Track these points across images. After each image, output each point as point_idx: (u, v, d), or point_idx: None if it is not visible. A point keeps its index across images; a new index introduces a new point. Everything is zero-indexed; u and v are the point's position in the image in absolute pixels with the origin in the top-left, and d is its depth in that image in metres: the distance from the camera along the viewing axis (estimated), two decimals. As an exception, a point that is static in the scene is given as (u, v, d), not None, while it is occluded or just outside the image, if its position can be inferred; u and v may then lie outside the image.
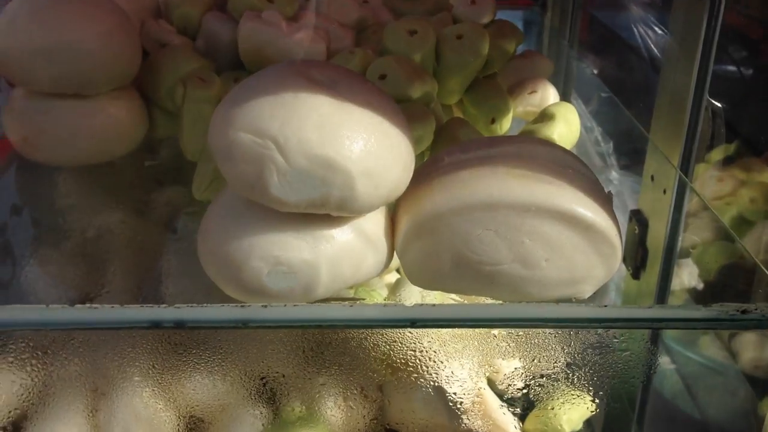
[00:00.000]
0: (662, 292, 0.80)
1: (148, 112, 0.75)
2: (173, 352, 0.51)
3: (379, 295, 0.66)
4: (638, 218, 0.82)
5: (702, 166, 0.95)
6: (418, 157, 0.68)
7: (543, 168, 0.53)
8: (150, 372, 0.51)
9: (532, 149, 0.55)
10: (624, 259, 0.82)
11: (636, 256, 0.82)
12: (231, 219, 0.51)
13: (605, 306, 0.51)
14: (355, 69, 0.69)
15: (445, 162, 0.55)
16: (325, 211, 0.49)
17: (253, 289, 0.50)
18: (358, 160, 0.48)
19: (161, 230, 0.68)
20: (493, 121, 0.75)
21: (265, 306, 0.50)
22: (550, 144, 0.57)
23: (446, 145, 0.69)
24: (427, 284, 0.54)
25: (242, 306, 0.49)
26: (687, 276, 0.89)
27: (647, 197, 0.83)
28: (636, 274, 0.82)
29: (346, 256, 0.51)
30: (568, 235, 0.51)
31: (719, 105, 0.83)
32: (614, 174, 1.00)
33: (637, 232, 0.81)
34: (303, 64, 0.51)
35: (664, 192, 0.79)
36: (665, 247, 0.78)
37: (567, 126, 0.73)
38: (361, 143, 0.48)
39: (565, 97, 1.05)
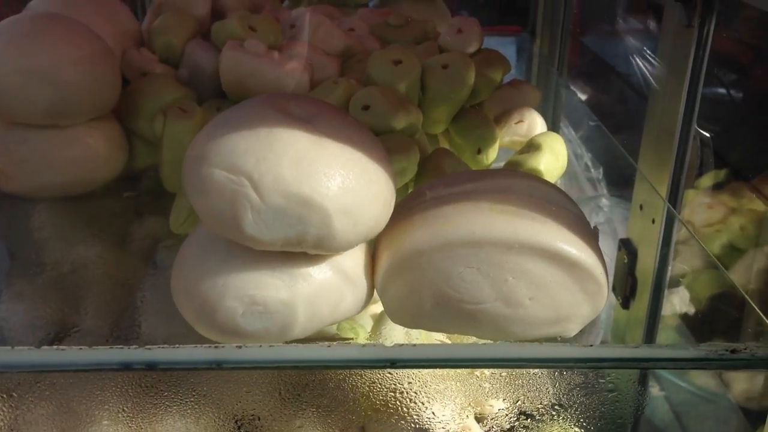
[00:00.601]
0: (652, 322, 0.78)
1: (128, 141, 0.73)
2: (144, 394, 0.49)
3: (362, 328, 0.64)
4: (627, 247, 0.81)
5: (691, 192, 0.94)
6: (402, 189, 0.67)
7: (527, 203, 0.51)
8: (120, 415, 0.49)
9: (516, 184, 0.54)
10: (613, 288, 0.81)
11: (625, 286, 0.81)
12: (205, 256, 0.49)
13: (591, 346, 0.50)
14: (339, 99, 0.68)
15: (428, 197, 0.54)
16: (301, 249, 0.47)
17: (227, 330, 0.49)
18: (335, 197, 0.46)
19: (140, 264, 0.66)
20: (479, 151, 0.74)
21: (240, 347, 0.48)
22: (534, 178, 0.56)
23: (431, 177, 0.67)
24: (409, 323, 0.53)
25: (216, 347, 0.48)
26: (678, 303, 0.87)
27: (636, 226, 0.82)
28: (625, 303, 0.81)
29: (324, 294, 0.49)
30: (552, 272, 0.50)
31: (707, 134, 0.83)
32: (604, 201, 0.99)
33: (626, 261, 0.80)
34: (280, 98, 0.50)
35: (653, 222, 0.78)
36: (654, 276, 0.77)
37: (554, 156, 0.72)
38: (338, 180, 0.47)
39: (554, 124, 1.04)
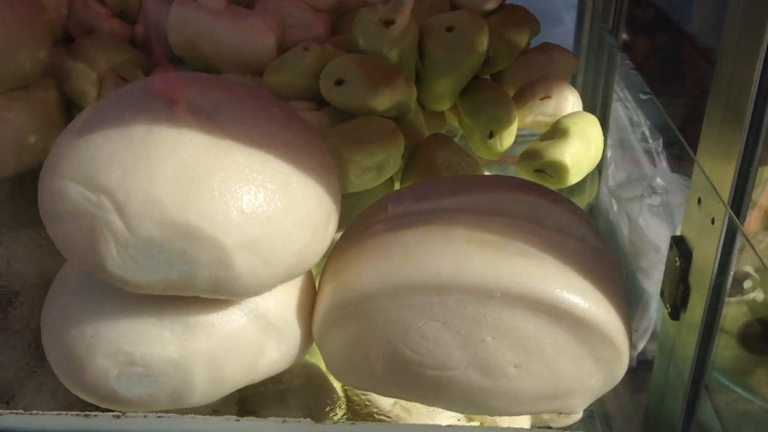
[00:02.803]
0: (706, 340, 0.63)
1: (69, 114, 0.61)
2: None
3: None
4: (681, 247, 0.66)
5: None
6: (384, 186, 0.53)
7: (519, 232, 0.37)
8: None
9: (509, 200, 0.40)
10: (661, 294, 0.67)
11: (676, 293, 0.66)
12: (74, 295, 0.37)
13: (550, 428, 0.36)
14: (309, 70, 0.54)
15: (388, 215, 0.40)
16: (191, 294, 0.34)
17: (100, 395, 0.36)
18: (234, 227, 0.33)
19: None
20: (491, 135, 0.59)
21: (118, 416, 0.36)
22: (538, 190, 0.41)
23: (420, 172, 0.53)
24: (355, 383, 0.40)
25: (87, 415, 0.36)
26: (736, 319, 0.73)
27: (692, 222, 0.66)
28: (674, 314, 0.67)
29: (234, 349, 0.36)
30: (549, 332, 0.36)
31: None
32: (659, 181, 0.84)
33: (678, 264, 0.65)
34: (176, 82, 0.37)
35: (713, 222, 0.62)
36: (711, 286, 0.62)
37: (584, 144, 0.57)
38: (241, 202, 0.33)
39: (606, 93, 0.89)
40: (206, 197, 0.33)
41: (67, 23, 0.64)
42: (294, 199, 0.35)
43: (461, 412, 0.38)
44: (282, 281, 0.36)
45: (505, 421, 0.41)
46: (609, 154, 0.97)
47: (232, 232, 0.33)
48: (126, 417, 0.36)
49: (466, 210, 0.39)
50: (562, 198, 0.42)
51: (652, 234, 0.77)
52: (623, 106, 1.04)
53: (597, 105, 0.96)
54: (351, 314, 0.37)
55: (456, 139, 0.66)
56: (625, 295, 0.40)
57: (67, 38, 0.64)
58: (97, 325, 0.35)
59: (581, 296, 0.36)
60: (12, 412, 0.36)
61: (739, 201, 0.61)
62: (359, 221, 0.41)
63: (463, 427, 0.39)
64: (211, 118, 0.35)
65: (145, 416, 0.36)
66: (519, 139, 0.64)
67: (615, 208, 0.97)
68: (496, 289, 0.35)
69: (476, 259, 0.36)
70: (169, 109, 0.34)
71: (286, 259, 0.35)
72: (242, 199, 0.33)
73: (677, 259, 0.66)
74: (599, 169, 0.68)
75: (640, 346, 0.87)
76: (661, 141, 0.92)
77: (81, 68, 0.59)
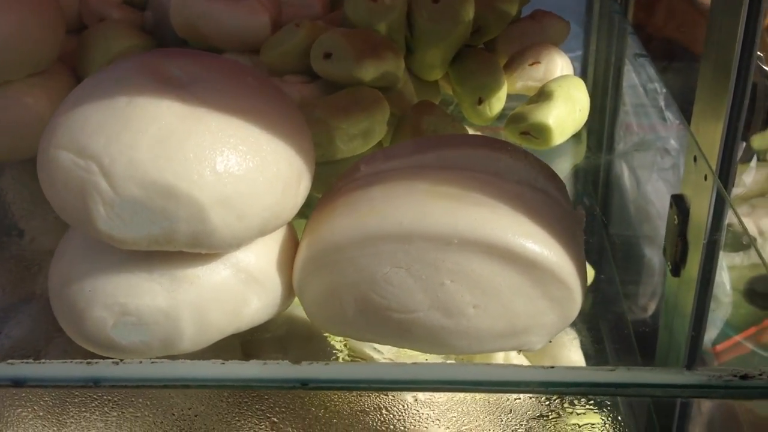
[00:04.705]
0: (702, 295, 0.65)
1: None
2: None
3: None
4: (679, 205, 0.68)
5: (758, 137, 0.80)
6: (374, 150, 0.56)
7: (478, 184, 0.40)
8: None
9: (473, 156, 0.43)
10: (663, 251, 0.70)
11: (676, 250, 0.68)
12: (75, 254, 0.41)
13: (551, 367, 0.39)
14: (300, 46, 0.57)
15: (360, 174, 0.44)
16: (174, 248, 0.38)
17: (99, 343, 0.40)
18: (209, 185, 0.37)
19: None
20: (480, 101, 0.62)
21: (117, 362, 0.40)
22: (503, 147, 0.44)
23: (407, 138, 0.56)
24: (332, 330, 0.43)
25: (89, 362, 0.40)
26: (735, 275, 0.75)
27: (690, 181, 0.68)
28: (675, 270, 0.69)
29: (218, 300, 0.40)
30: (504, 274, 0.39)
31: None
32: (672, 143, 0.85)
33: (676, 222, 0.67)
34: (160, 57, 0.40)
35: (705, 178, 0.64)
36: (706, 241, 0.64)
37: (569, 106, 0.60)
38: (214, 162, 0.37)
39: (618, 62, 0.91)
40: (182, 159, 0.36)
41: (79, 12, 0.68)
42: (265, 159, 0.38)
43: (427, 352, 0.41)
44: (258, 235, 0.40)
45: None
46: (621, 118, 0.98)
47: (207, 190, 0.36)
48: (124, 363, 0.39)
49: (431, 166, 0.42)
50: (527, 154, 0.45)
51: (660, 199, 0.79)
52: (635, 70, 1.05)
53: (610, 69, 0.97)
54: (324, 265, 0.41)
55: (451, 107, 0.69)
56: (582, 242, 0.43)
57: (81, 26, 0.68)
58: (94, 281, 0.39)
59: (533, 240, 0.38)
60: (23, 362, 0.40)
61: (729, 159, 0.63)
62: (337, 182, 0.45)
63: (428, 363, 0.42)
64: (188, 89, 0.38)
65: (141, 362, 0.40)
66: (513, 104, 0.66)
67: (626, 173, 0.99)
68: (453, 236, 0.38)
69: (435, 209, 0.39)
70: (149, 81, 0.38)
71: (259, 213, 0.38)
72: (215, 160, 0.37)
73: (676, 216, 0.68)
74: (588, 131, 0.70)
75: (651, 310, 0.89)
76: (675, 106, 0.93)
77: (93, 54, 0.63)
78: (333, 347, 0.51)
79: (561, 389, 0.39)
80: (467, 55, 0.64)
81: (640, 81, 1.08)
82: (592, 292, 0.83)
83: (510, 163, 0.43)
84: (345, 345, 0.51)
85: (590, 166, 0.97)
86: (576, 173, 0.85)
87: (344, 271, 0.40)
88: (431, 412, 0.41)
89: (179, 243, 0.38)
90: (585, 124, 0.94)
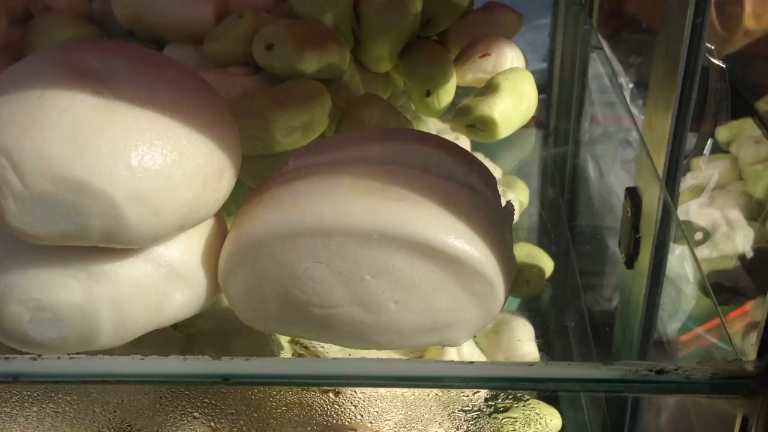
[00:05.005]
0: (654, 288, 0.66)
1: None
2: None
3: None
4: (633, 198, 0.68)
5: (724, 129, 0.80)
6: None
7: (402, 179, 0.40)
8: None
9: (401, 150, 0.42)
10: (619, 244, 0.70)
11: (629, 243, 0.68)
12: (-7, 248, 0.40)
13: (471, 363, 0.39)
14: (243, 37, 0.57)
15: (288, 168, 0.43)
16: (88, 243, 0.38)
17: (18, 339, 0.40)
18: (122, 180, 0.36)
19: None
20: (428, 93, 0.62)
21: (35, 358, 0.39)
22: (435, 142, 0.44)
23: (348, 131, 0.56)
24: (258, 325, 0.43)
25: (7, 358, 0.39)
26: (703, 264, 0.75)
27: (642, 174, 0.68)
28: (629, 263, 0.69)
29: (138, 295, 0.40)
30: (425, 270, 0.38)
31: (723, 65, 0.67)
32: (634, 135, 0.85)
33: (629, 214, 0.68)
34: (76, 49, 0.40)
35: (654, 172, 0.64)
36: (656, 233, 0.64)
37: (515, 99, 0.59)
38: (128, 157, 0.36)
39: (584, 48, 0.91)
40: (94, 154, 0.36)
41: (26, 1, 0.67)
42: (183, 153, 0.38)
43: (351, 347, 0.41)
44: (177, 230, 0.39)
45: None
46: (588, 110, 0.98)
47: (120, 185, 0.36)
48: (42, 359, 0.39)
49: (357, 161, 0.42)
50: (458, 149, 0.44)
51: (621, 191, 0.79)
52: (601, 62, 1.05)
53: (576, 60, 0.97)
54: (247, 260, 0.40)
55: (402, 100, 0.68)
56: (510, 237, 0.42)
57: (27, 16, 0.67)
58: (9, 275, 0.39)
59: (454, 236, 0.38)
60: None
61: (678, 151, 0.63)
62: (266, 177, 0.44)
63: (348, 359, 0.42)
64: (105, 82, 0.38)
65: (59, 358, 0.39)
66: (464, 97, 0.66)
67: (590, 164, 0.99)
68: (373, 231, 0.38)
69: (357, 204, 0.38)
70: (64, 74, 0.37)
71: (177, 209, 0.38)
72: (130, 155, 0.36)
73: (629, 209, 0.68)
74: (537, 125, 0.70)
75: (611, 302, 0.89)
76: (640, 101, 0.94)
77: (39, 44, 0.62)
78: (278, 341, 0.51)
79: (480, 384, 0.39)
80: (416, 47, 0.63)
81: (606, 73, 1.08)
82: (551, 283, 0.83)
83: (439, 158, 0.42)
84: (291, 340, 0.51)
85: (556, 158, 0.97)
86: (542, 164, 0.85)
87: (266, 266, 0.40)
88: (353, 407, 0.41)
89: (93, 239, 0.37)
90: (551, 117, 0.94)
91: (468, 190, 0.41)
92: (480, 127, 0.59)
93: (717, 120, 0.77)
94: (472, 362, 0.38)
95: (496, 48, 0.64)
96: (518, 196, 0.84)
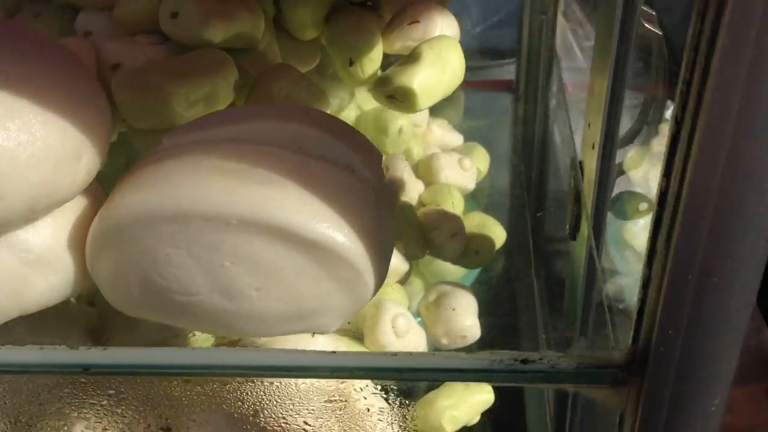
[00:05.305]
0: (591, 260, 0.64)
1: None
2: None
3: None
4: (575, 170, 0.66)
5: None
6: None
7: (273, 160, 0.38)
8: None
9: (276, 129, 0.40)
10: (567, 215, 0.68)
11: (571, 215, 0.67)
12: None
13: (332, 353, 0.37)
14: (151, 4, 0.54)
15: (161, 147, 0.41)
16: (-71, 230, 0.36)
17: None
18: (-43, 163, 0.34)
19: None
20: (351, 62, 0.59)
21: None
22: (317, 120, 0.42)
23: (256, 103, 0.54)
24: (128, 310, 0.41)
25: None
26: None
27: (585, 147, 0.66)
28: (572, 234, 0.68)
29: (-7, 282, 0.38)
30: (287, 256, 0.37)
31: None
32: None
33: (572, 186, 0.66)
34: None
35: (593, 147, 0.62)
36: (594, 206, 0.63)
37: (437, 69, 0.56)
38: (-35, 138, 0.34)
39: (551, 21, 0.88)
40: (-74, 135, 0.34)
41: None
42: (32, 134, 0.36)
43: (216, 334, 0.39)
44: (28, 215, 0.37)
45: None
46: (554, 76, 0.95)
47: (-47, 169, 0.34)
48: None
49: (227, 139, 0.40)
50: (341, 128, 0.42)
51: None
52: (573, 31, 1.02)
53: (543, 24, 0.94)
54: (110, 244, 0.39)
55: (331, 69, 0.66)
56: (389, 221, 0.40)
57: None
58: None
59: (317, 220, 0.36)
60: None
61: (614, 126, 0.61)
62: (141, 156, 0.42)
63: (212, 348, 0.40)
64: (-54, 58, 0.36)
65: None
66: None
67: (557, 133, 0.96)
68: (231, 216, 0.36)
69: (215, 188, 0.37)
70: None
71: (24, 192, 0.36)
72: (-33, 135, 0.34)
73: (572, 180, 0.66)
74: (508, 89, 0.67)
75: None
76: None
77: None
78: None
79: (345, 374, 0.38)
80: (343, 13, 0.61)
81: (576, 40, 1.05)
82: (502, 255, 0.81)
83: (317, 138, 0.40)
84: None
85: (525, 124, 0.95)
86: (511, 130, 0.83)
87: (128, 251, 0.38)
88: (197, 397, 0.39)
89: (-69, 225, 0.36)
90: (520, 81, 0.91)
91: (343, 170, 0.39)
92: (399, 98, 0.56)
93: (668, 86, 0.74)
94: (334, 352, 0.36)
95: (426, 15, 0.61)
96: (476, 163, 0.82)
